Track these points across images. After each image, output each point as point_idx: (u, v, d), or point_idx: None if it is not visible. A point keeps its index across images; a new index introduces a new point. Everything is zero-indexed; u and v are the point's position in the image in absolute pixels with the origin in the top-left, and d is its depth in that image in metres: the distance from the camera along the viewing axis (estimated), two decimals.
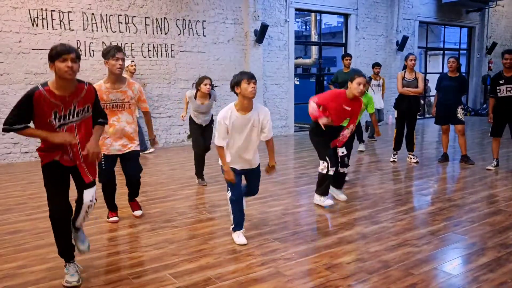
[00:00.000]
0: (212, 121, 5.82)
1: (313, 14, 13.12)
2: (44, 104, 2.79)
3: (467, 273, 3.18)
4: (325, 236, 3.94)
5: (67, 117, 2.90)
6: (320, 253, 3.53)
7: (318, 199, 4.84)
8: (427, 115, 14.40)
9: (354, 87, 4.44)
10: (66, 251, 3.06)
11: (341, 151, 4.95)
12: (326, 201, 4.77)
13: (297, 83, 11.78)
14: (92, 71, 8.17)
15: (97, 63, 8.21)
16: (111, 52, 3.96)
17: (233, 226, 3.83)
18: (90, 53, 8.13)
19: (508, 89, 6.28)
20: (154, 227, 4.19)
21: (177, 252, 3.57)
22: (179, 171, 6.79)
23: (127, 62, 8.31)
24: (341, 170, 5.00)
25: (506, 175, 6.24)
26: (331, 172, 4.66)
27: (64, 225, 2.99)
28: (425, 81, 14.56)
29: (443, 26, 15.25)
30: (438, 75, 7.22)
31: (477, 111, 15.17)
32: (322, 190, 4.78)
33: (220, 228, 4.15)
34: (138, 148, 4.32)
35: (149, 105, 9.03)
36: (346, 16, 12.05)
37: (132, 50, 8.58)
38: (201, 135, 5.75)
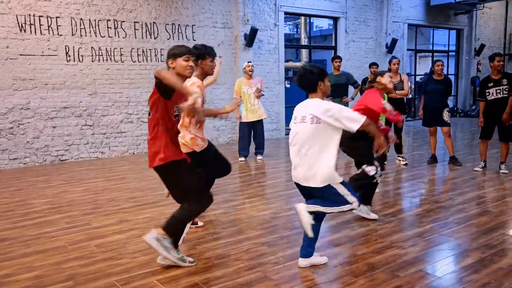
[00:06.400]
0: None
1: (302, 17, 13.20)
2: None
3: (452, 274, 3.22)
4: None
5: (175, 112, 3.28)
6: None
7: (363, 209, 4.33)
8: (416, 117, 14.52)
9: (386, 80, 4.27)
10: None
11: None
12: (372, 214, 4.38)
13: (288, 86, 11.82)
14: (81, 76, 8.15)
15: (86, 68, 8.19)
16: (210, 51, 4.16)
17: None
18: (79, 59, 8.11)
19: (498, 91, 6.37)
20: (142, 233, 4.17)
21: None
22: None
23: (245, 63, 8.02)
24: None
25: (494, 176, 6.31)
26: (378, 178, 4.19)
27: None
28: (415, 83, 14.69)
29: (432, 29, 15.40)
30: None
31: (466, 112, 15.31)
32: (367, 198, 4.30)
33: (209, 233, 4.16)
34: None
35: (139, 110, 8.98)
36: (335, 19, 12.12)
37: (121, 55, 8.57)
38: None
